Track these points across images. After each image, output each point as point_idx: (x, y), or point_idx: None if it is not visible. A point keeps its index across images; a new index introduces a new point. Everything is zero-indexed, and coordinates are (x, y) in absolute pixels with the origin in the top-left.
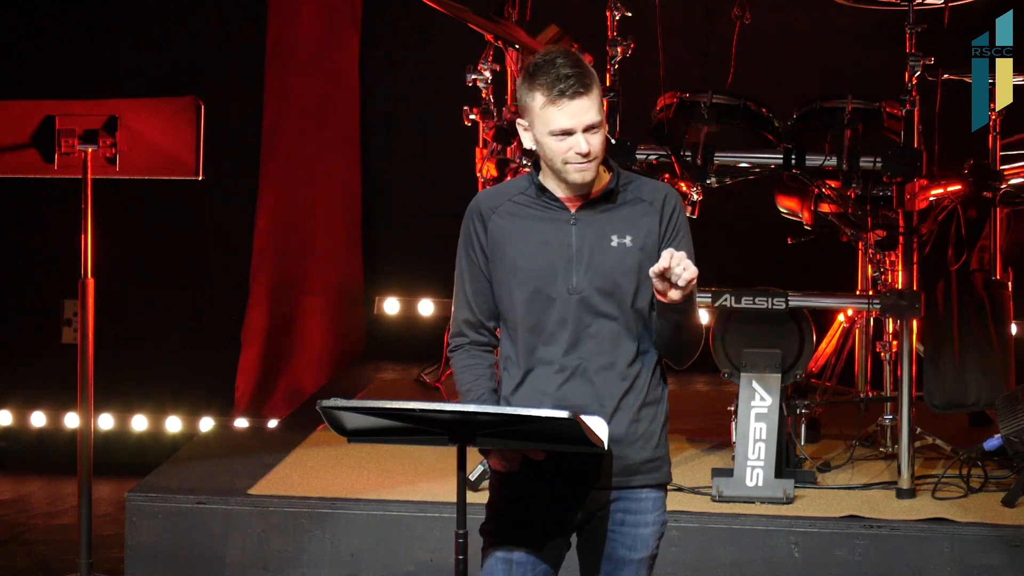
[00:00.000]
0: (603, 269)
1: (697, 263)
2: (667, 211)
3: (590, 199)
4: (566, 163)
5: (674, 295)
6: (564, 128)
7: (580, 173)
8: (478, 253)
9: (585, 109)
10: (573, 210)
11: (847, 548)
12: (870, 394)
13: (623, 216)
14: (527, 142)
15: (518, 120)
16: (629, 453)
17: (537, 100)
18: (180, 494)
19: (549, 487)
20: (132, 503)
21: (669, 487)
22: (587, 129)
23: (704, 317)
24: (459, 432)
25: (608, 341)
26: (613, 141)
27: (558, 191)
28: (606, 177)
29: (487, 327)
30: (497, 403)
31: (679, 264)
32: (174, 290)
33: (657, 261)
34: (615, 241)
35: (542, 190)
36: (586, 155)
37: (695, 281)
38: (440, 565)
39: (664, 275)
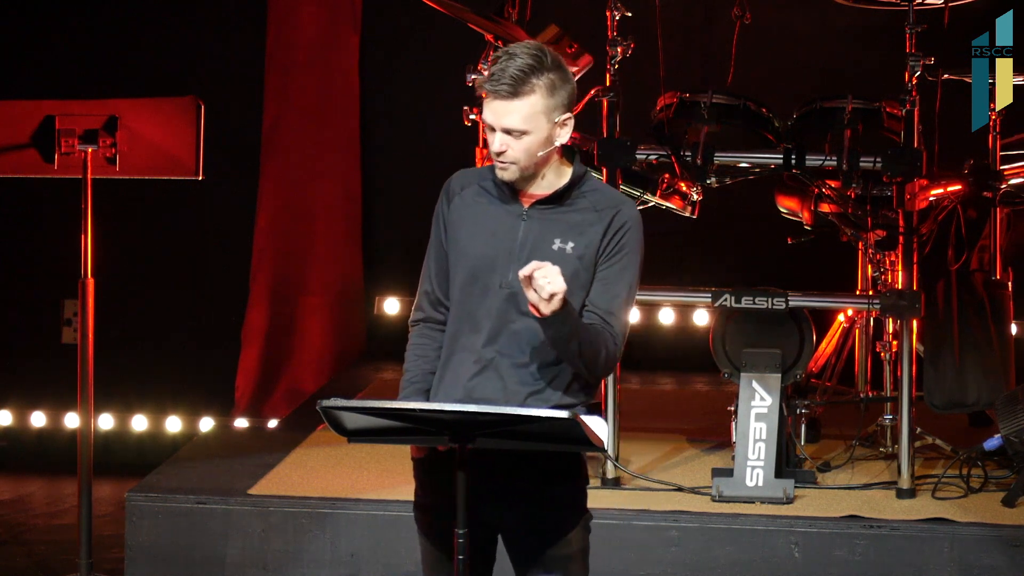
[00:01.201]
0: None
1: (698, 263)
2: (614, 226)
3: (544, 198)
4: (492, 154)
5: (543, 308)
6: (487, 122)
7: (500, 170)
8: (442, 228)
9: (505, 112)
10: (527, 206)
11: (847, 548)
12: (870, 394)
13: (572, 222)
14: None
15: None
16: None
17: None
18: (180, 494)
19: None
20: (132, 503)
21: (669, 487)
22: (507, 131)
23: (704, 317)
24: (459, 432)
25: (528, 340)
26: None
27: (518, 183)
28: (564, 179)
29: (444, 304)
30: (431, 386)
31: (544, 276)
32: (174, 290)
33: (590, 274)
34: (557, 245)
35: (502, 180)
36: (499, 154)
37: (559, 297)
38: None
39: (531, 283)
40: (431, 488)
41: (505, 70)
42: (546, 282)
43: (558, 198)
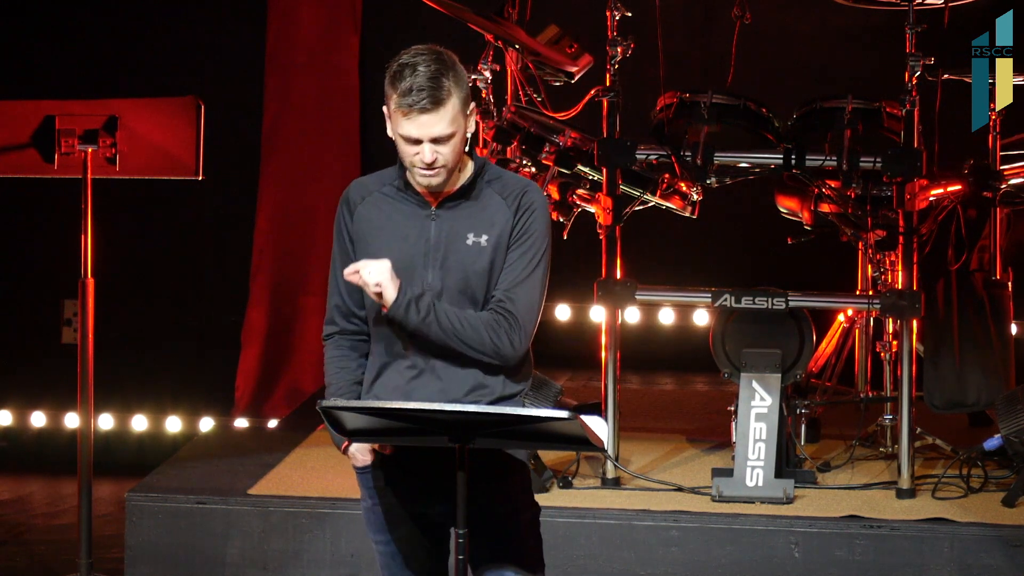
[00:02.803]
0: (457, 267)
1: (698, 263)
2: (520, 210)
3: (449, 195)
4: (412, 166)
5: (381, 302)
6: (411, 137)
7: (425, 179)
8: (346, 241)
9: (433, 123)
10: (434, 206)
11: (847, 548)
12: (870, 394)
13: (481, 214)
14: (389, 130)
15: (384, 106)
16: None
17: (392, 102)
18: (180, 494)
19: (406, 480)
20: (132, 503)
21: (669, 487)
22: (436, 140)
23: (704, 317)
24: (459, 432)
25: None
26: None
27: (419, 185)
28: (467, 174)
29: (358, 315)
30: (357, 397)
31: (364, 267)
32: (174, 290)
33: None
34: (471, 239)
35: (406, 184)
36: (430, 164)
37: (382, 288)
38: None
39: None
40: (374, 490)
41: (415, 82)
42: (367, 273)
43: (465, 192)
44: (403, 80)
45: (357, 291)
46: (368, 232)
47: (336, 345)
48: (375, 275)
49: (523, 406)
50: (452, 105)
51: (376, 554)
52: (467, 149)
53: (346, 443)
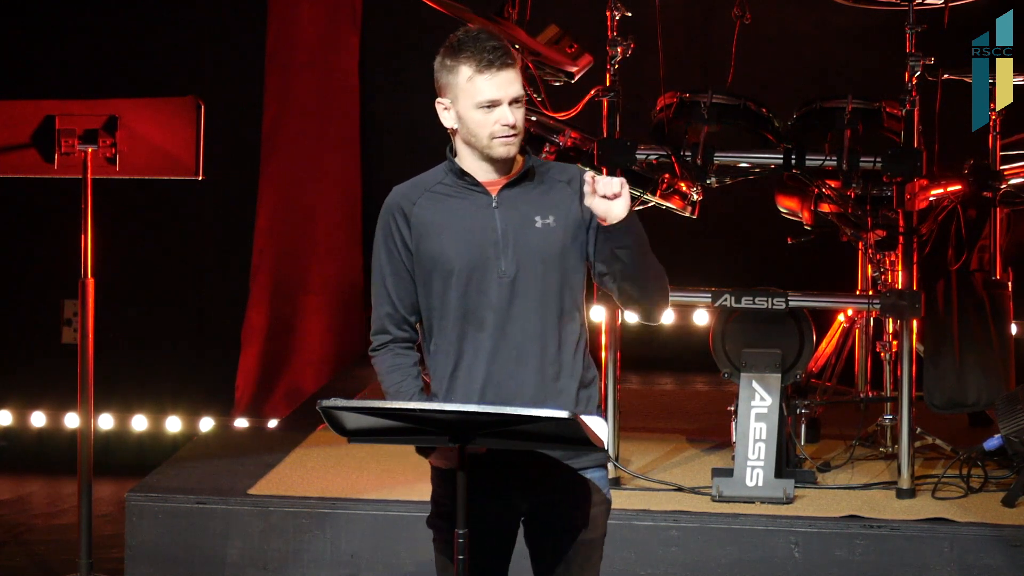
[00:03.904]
0: (529, 251)
1: (698, 263)
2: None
3: (509, 182)
4: (493, 137)
5: (617, 208)
6: (491, 99)
7: (505, 147)
8: (400, 248)
9: (511, 81)
10: (494, 194)
11: (847, 548)
12: (870, 394)
13: (544, 198)
14: (448, 121)
15: (437, 100)
16: None
17: (462, 73)
18: (180, 494)
19: (491, 479)
20: (132, 503)
21: (669, 487)
22: (512, 102)
23: (704, 317)
24: (459, 432)
25: (538, 324)
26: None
27: (478, 174)
28: (521, 159)
29: (409, 322)
30: (426, 400)
31: (599, 180)
32: (174, 290)
33: (584, 238)
34: (539, 222)
35: (461, 175)
36: (512, 126)
37: (626, 187)
38: None
39: (596, 190)
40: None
41: (486, 45)
42: (607, 180)
43: (523, 178)
44: (468, 48)
45: (410, 297)
46: (431, 231)
47: (393, 353)
48: (616, 182)
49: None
50: (517, 70)
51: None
52: None
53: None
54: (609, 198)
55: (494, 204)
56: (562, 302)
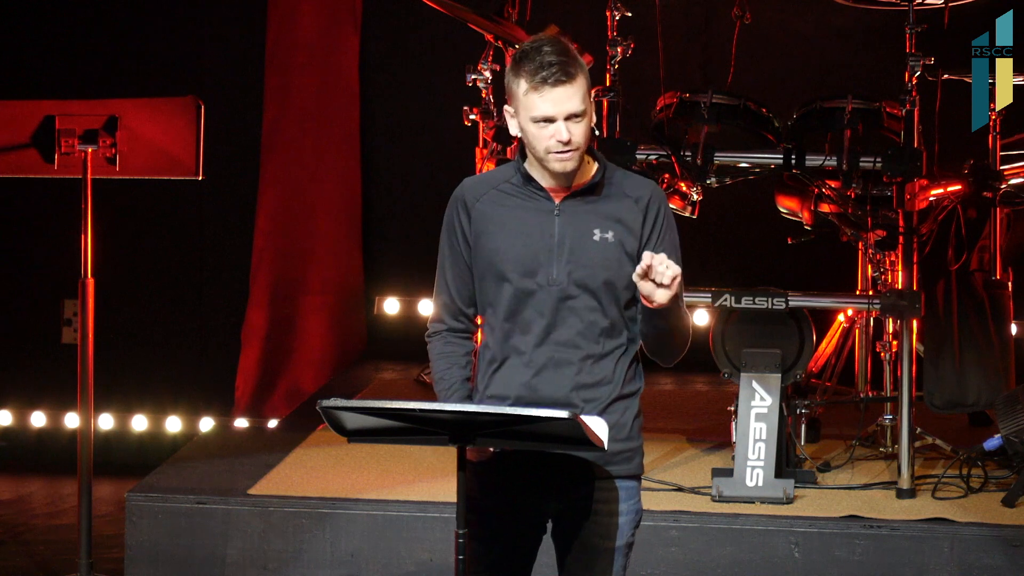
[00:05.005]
0: (584, 262)
1: (698, 263)
2: (652, 209)
3: (575, 191)
4: (548, 152)
5: (661, 297)
6: (545, 115)
7: (561, 163)
8: (460, 241)
9: (567, 97)
10: (558, 201)
11: (847, 548)
12: (870, 394)
13: (607, 210)
14: (513, 129)
15: (505, 107)
16: None
17: (521, 86)
18: (180, 494)
19: (524, 476)
20: (132, 503)
21: (669, 487)
22: (569, 117)
23: (704, 317)
24: (459, 432)
25: (583, 334)
26: (599, 134)
27: (543, 180)
28: (592, 169)
29: (466, 313)
30: (470, 392)
31: (661, 263)
32: (174, 290)
33: (638, 260)
34: (597, 235)
35: (528, 179)
36: (567, 143)
37: (679, 279)
38: (440, 565)
39: (648, 275)
40: (489, 489)
41: (544, 60)
42: (664, 267)
43: (591, 189)
44: (531, 61)
45: (467, 289)
46: (488, 231)
47: (444, 342)
48: (675, 268)
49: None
50: (581, 83)
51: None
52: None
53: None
54: (658, 284)
55: (556, 211)
56: (609, 316)
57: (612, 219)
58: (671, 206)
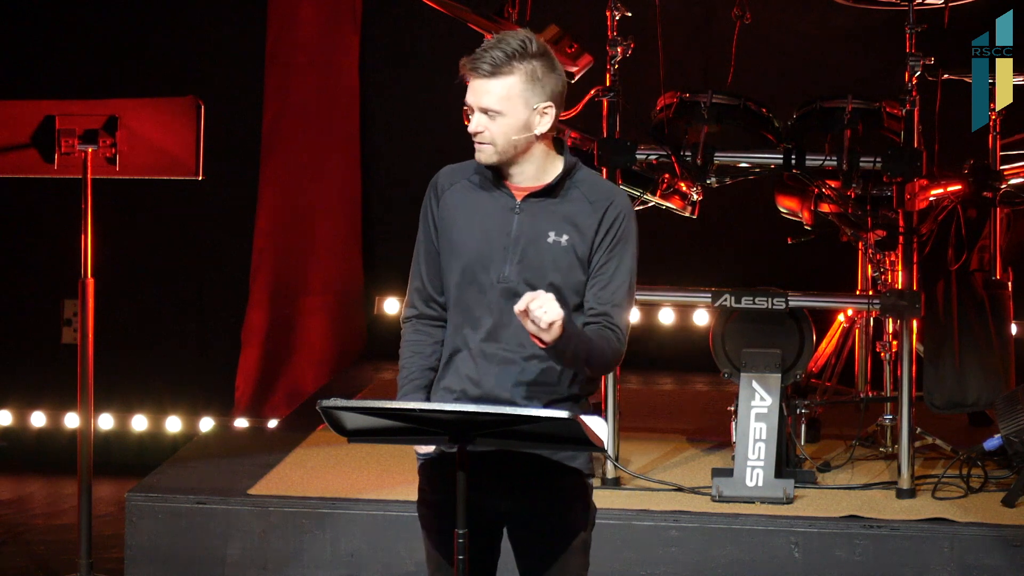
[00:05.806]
0: (534, 263)
1: (698, 263)
2: (609, 217)
3: (537, 191)
4: (470, 134)
5: (545, 336)
6: (465, 103)
7: (476, 151)
8: (431, 226)
9: (484, 91)
10: (519, 199)
11: (847, 548)
12: (870, 394)
13: (565, 213)
14: None
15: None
16: None
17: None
18: (180, 494)
19: (472, 473)
20: (132, 503)
21: (669, 487)
22: (484, 111)
23: (704, 317)
24: (459, 432)
25: (528, 336)
26: (600, 134)
27: (508, 177)
28: (556, 170)
29: (437, 300)
30: (430, 382)
31: (540, 307)
32: (174, 290)
33: (589, 266)
34: (551, 238)
35: (497, 174)
36: (474, 134)
37: (558, 324)
38: None
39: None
40: (439, 485)
41: (487, 51)
42: (543, 312)
43: (551, 190)
44: (482, 46)
45: (438, 276)
46: (451, 219)
47: (414, 329)
48: (553, 312)
49: (589, 410)
50: (509, 85)
51: (425, 553)
52: (559, 148)
53: None
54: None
55: (516, 209)
56: None
57: (568, 222)
58: (671, 206)
